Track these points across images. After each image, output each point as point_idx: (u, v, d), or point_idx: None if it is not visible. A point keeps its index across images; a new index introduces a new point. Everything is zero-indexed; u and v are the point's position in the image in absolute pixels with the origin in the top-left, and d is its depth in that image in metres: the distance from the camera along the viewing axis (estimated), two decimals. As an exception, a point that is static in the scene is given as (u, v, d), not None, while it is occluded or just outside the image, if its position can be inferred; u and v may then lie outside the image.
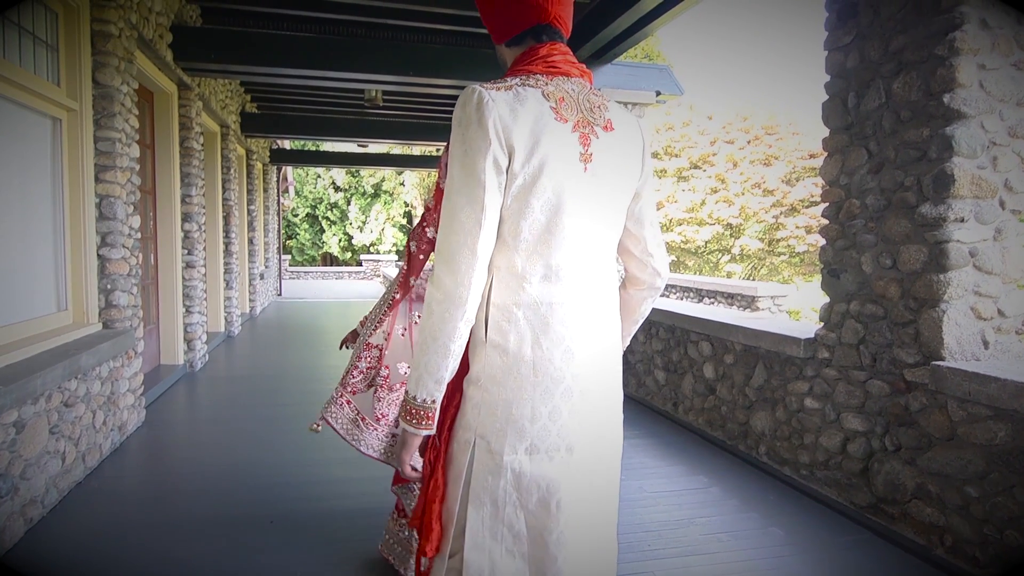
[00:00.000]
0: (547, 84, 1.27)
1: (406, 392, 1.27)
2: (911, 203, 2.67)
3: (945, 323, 2.54)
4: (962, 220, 2.54)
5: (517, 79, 1.28)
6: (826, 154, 3.16)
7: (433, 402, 1.25)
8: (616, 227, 1.39)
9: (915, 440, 2.65)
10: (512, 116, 1.19)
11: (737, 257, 18.55)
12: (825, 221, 3.19)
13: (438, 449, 1.34)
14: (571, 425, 1.27)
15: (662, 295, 9.54)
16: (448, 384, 1.28)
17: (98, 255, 3.71)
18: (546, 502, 1.25)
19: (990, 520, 2.33)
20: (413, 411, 1.25)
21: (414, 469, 1.34)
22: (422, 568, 1.37)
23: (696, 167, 18.72)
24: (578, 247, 1.28)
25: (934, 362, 2.55)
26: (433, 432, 1.28)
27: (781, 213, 17.58)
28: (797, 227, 17.42)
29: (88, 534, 2.66)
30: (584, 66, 1.36)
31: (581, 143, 1.27)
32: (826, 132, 3.18)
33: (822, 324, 3.18)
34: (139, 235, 4.18)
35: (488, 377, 1.27)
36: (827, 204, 3.16)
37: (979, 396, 2.34)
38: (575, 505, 1.28)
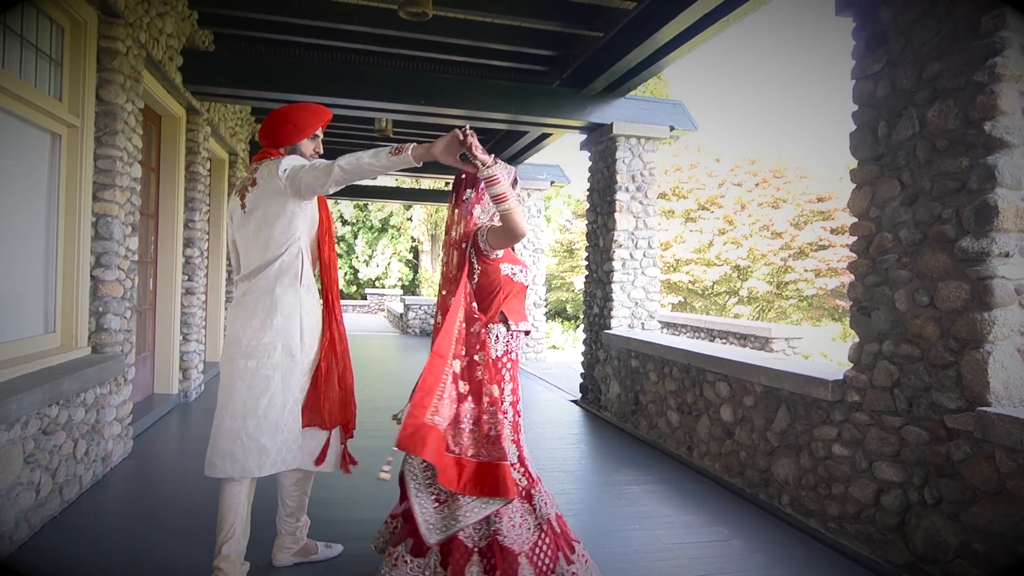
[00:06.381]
0: (245, 183, 2.40)
1: None
2: (950, 236, 2.51)
3: (991, 365, 2.35)
4: (1007, 255, 2.37)
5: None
6: (854, 186, 3.01)
7: None
8: (275, 242, 2.32)
9: (958, 493, 2.44)
10: (231, 206, 2.47)
11: (745, 299, 18.33)
12: (853, 256, 3.03)
13: None
14: (230, 369, 2.32)
15: (673, 334, 9.33)
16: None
17: (91, 276, 3.56)
18: (243, 406, 2.31)
19: (1048, 585, 2.11)
20: None
21: None
22: None
23: (704, 208, 18.65)
24: (246, 262, 2.40)
25: (979, 408, 2.35)
26: None
27: (789, 256, 17.42)
28: (806, 270, 17.21)
29: (60, 574, 2.44)
30: (270, 149, 2.43)
31: (240, 199, 2.38)
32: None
33: (851, 365, 2.99)
34: (136, 257, 4.04)
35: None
36: (856, 238, 3.00)
37: (1033, 446, 2.14)
38: (249, 403, 2.29)
